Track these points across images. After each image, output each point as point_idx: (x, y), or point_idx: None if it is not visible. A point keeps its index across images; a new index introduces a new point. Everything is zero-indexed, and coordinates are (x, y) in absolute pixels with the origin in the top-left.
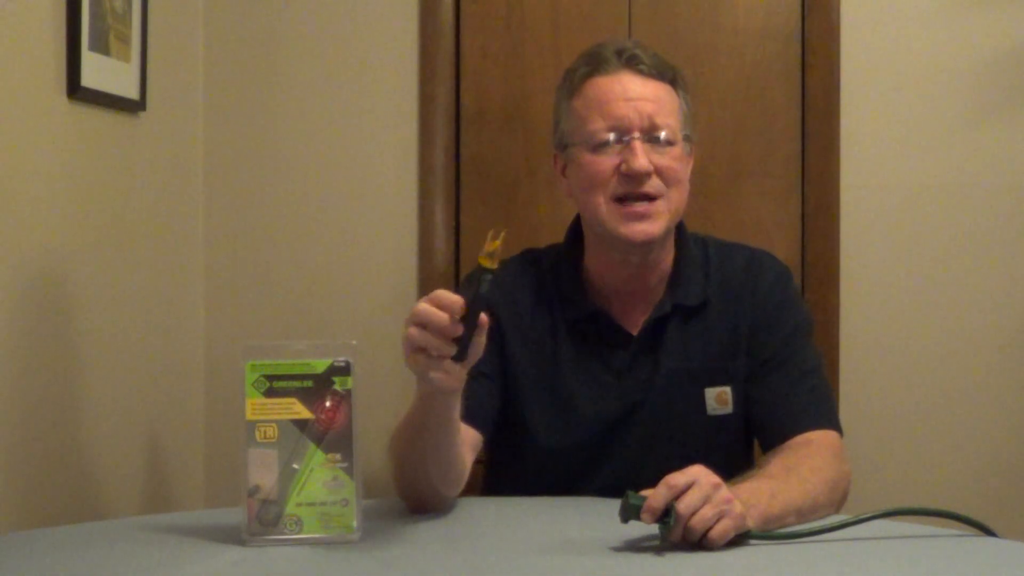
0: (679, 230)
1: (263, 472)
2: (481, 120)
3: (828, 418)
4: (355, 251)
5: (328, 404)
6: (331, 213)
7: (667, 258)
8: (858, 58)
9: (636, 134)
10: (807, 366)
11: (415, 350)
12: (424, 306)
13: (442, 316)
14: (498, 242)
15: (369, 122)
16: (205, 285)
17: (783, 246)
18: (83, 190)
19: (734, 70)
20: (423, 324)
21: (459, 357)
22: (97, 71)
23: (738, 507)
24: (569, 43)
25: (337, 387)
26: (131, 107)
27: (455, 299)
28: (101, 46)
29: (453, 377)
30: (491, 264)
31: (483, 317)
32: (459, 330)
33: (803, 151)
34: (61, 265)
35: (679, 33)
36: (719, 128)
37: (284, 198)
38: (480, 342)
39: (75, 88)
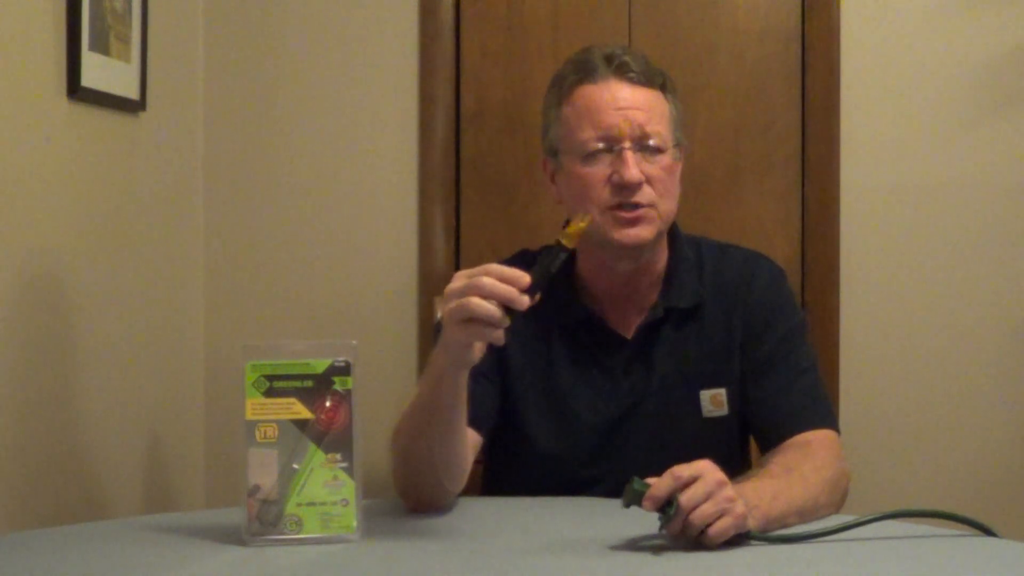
0: (672, 232)
1: (263, 472)
2: (481, 120)
3: (825, 417)
4: (355, 251)
5: (328, 404)
6: (331, 213)
7: (659, 262)
8: (858, 58)
9: (627, 143)
10: (803, 366)
11: (468, 321)
12: (489, 280)
13: (511, 289)
14: (584, 224)
15: (369, 122)
16: (205, 285)
17: (783, 246)
18: (83, 190)
19: (734, 70)
20: (488, 295)
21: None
22: (97, 71)
23: (740, 507)
24: (569, 43)
25: (337, 387)
26: (131, 107)
27: (521, 274)
28: (101, 46)
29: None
30: (571, 244)
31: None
32: (526, 302)
33: (803, 151)
34: (61, 265)
35: (679, 33)
36: (719, 128)
37: (284, 198)
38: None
39: (75, 88)
